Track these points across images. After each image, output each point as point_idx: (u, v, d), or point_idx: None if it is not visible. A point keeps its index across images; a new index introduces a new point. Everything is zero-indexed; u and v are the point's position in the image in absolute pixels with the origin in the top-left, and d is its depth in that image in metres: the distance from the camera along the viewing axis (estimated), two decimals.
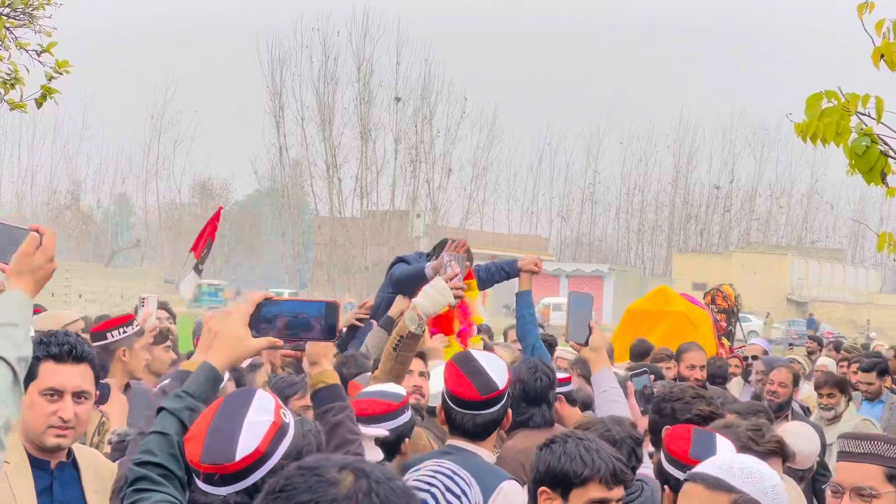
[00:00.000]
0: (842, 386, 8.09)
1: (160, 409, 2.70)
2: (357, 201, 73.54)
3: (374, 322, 6.29)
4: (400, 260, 6.59)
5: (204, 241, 9.73)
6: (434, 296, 4.68)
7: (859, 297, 75.04)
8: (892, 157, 4.55)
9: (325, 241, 71.30)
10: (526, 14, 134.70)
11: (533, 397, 4.69)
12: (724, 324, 11.61)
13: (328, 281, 68.62)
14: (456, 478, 3.07)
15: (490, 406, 3.76)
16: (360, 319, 6.59)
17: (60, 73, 7.68)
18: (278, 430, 2.54)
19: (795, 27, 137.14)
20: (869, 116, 4.47)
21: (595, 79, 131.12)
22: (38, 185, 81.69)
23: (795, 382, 7.80)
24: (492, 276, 6.63)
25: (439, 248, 6.21)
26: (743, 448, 3.75)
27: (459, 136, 76.91)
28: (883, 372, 9.21)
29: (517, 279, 6.33)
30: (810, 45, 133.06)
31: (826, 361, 11.15)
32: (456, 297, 4.92)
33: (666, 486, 3.47)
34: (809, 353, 14.51)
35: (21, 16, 7.83)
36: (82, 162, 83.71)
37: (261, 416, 2.54)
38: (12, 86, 7.81)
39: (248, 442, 2.49)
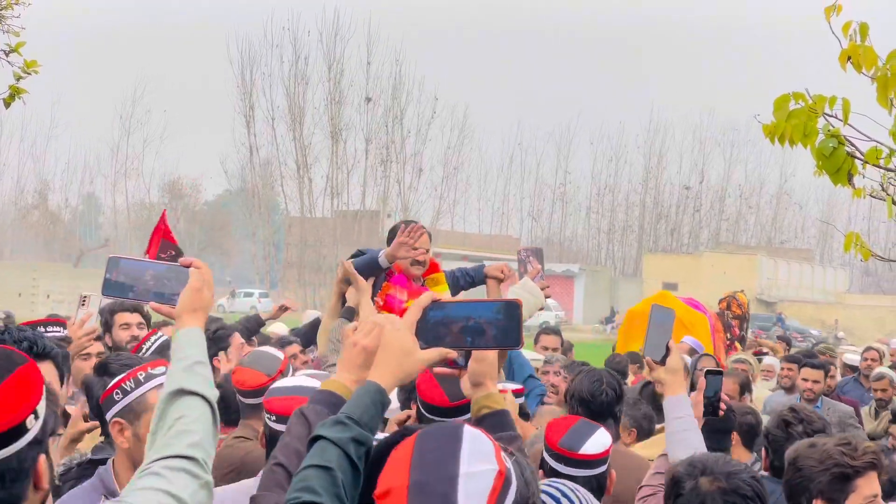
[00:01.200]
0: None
1: (316, 438, 2.24)
2: (328, 201, 73.63)
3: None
4: (360, 253, 6.10)
5: (156, 244, 9.51)
6: (527, 298, 4.18)
7: (828, 297, 75.43)
8: (858, 159, 4.58)
9: (296, 242, 71.09)
10: (496, 14, 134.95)
11: (598, 412, 4.50)
12: (737, 330, 12.04)
13: (299, 281, 68.44)
14: (563, 500, 2.88)
15: (462, 413, 3.65)
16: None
17: (29, 73, 7.63)
18: (504, 482, 1.98)
19: (765, 29, 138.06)
20: (836, 118, 4.50)
21: (565, 78, 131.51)
22: (6, 184, 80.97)
23: (743, 391, 7.57)
24: (456, 281, 6.20)
25: (392, 233, 5.82)
26: (837, 466, 3.53)
27: (430, 135, 77.04)
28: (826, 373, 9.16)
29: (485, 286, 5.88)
30: (779, 47, 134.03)
31: (772, 361, 11.19)
32: (546, 296, 4.44)
33: (541, 471, 3.53)
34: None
35: None
36: (50, 161, 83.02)
37: (480, 464, 1.98)
38: None
39: (471, 503, 1.93)
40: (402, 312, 5.40)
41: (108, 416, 3.46)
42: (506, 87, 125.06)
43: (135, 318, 6.73)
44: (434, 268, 5.86)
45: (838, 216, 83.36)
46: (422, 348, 2.42)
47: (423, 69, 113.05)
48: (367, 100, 73.96)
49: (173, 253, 9.41)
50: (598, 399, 4.54)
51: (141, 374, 3.45)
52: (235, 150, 75.80)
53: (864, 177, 4.73)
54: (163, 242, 9.54)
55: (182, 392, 2.42)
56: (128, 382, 3.44)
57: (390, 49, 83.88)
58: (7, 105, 7.71)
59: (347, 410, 2.28)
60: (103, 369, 3.92)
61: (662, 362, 3.80)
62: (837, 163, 4.50)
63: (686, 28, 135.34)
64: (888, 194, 4.85)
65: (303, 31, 74.14)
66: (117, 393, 3.45)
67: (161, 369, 3.50)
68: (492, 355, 2.68)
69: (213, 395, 2.46)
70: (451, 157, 79.26)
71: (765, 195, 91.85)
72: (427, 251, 5.69)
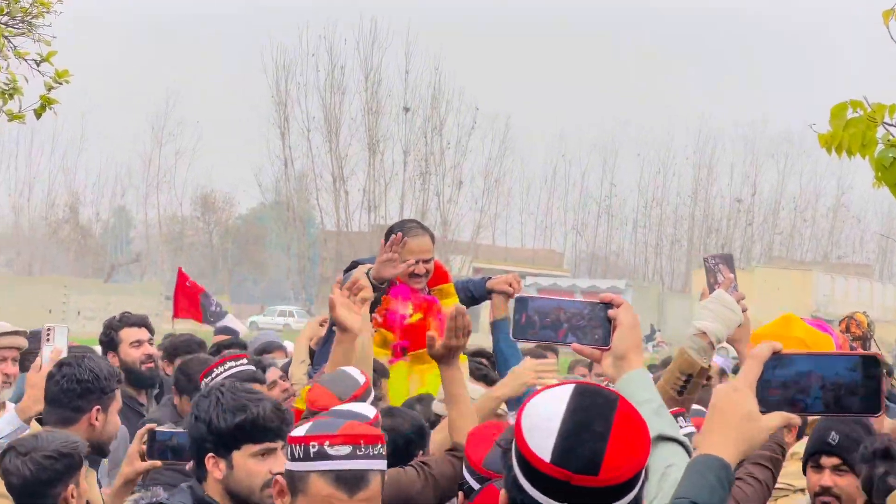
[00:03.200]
0: None
1: None
2: (364, 215, 73.30)
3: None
4: (356, 264, 5.57)
5: (183, 301, 9.72)
6: (724, 313, 3.75)
7: (888, 314, 75.10)
8: None
9: (332, 256, 70.67)
10: (539, 22, 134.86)
11: None
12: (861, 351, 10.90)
13: None
14: None
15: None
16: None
17: (60, 83, 7.75)
18: None
19: (819, 34, 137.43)
20: None
21: (610, 87, 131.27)
22: (36, 197, 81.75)
23: None
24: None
25: (387, 237, 5.18)
26: None
27: (470, 146, 76.13)
28: None
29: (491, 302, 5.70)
30: (835, 52, 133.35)
31: None
32: (742, 308, 3.98)
33: (460, 492, 3.45)
34: None
35: (20, 24, 7.98)
36: (81, 174, 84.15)
37: None
38: (11, 96, 7.84)
39: None
40: (403, 329, 5.40)
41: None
42: (549, 97, 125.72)
43: (144, 333, 6.27)
44: (443, 276, 5.53)
45: None
46: (762, 412, 2.14)
47: (464, 78, 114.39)
48: (406, 110, 73.72)
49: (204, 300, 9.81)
50: None
51: (313, 447, 2.94)
52: (270, 163, 75.86)
53: None
54: (201, 297, 9.92)
55: (661, 438, 2.36)
56: (298, 448, 2.98)
57: (429, 57, 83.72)
58: (38, 116, 7.84)
59: (691, 494, 2.05)
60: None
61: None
62: None
63: (736, 34, 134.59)
64: None
65: (339, 39, 73.80)
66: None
67: (343, 449, 2.92)
68: None
69: (685, 439, 2.42)
70: (493, 168, 78.39)
71: (821, 208, 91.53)
72: (428, 260, 5.32)
